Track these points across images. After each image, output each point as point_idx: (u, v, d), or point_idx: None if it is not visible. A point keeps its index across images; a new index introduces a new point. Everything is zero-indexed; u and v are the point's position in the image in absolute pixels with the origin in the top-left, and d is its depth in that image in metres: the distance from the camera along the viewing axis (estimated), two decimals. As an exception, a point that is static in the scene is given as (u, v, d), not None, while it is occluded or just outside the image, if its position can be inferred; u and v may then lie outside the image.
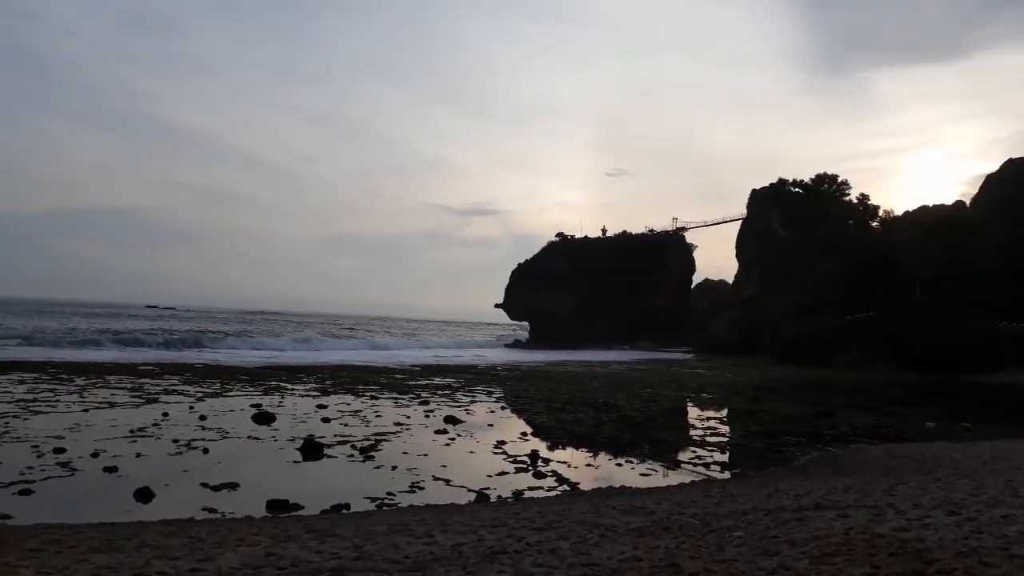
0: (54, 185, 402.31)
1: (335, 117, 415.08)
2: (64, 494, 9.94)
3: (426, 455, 13.57)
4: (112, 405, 18.59)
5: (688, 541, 6.30)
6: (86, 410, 17.48)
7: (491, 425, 17.79)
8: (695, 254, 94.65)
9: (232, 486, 10.57)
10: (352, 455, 13.37)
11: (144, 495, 9.80)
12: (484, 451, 14.38)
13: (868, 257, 60.60)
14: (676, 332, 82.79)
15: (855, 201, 74.06)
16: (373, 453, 13.54)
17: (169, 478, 10.93)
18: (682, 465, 13.77)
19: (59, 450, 12.52)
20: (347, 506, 9.61)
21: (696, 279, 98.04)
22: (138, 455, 12.54)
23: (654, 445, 15.75)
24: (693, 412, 23.24)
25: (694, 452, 15.14)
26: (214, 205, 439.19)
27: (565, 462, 13.52)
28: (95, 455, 12.31)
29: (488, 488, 11.04)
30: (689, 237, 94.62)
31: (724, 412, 23.23)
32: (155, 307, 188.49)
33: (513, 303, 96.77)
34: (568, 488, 11.37)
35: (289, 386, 25.12)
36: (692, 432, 18.24)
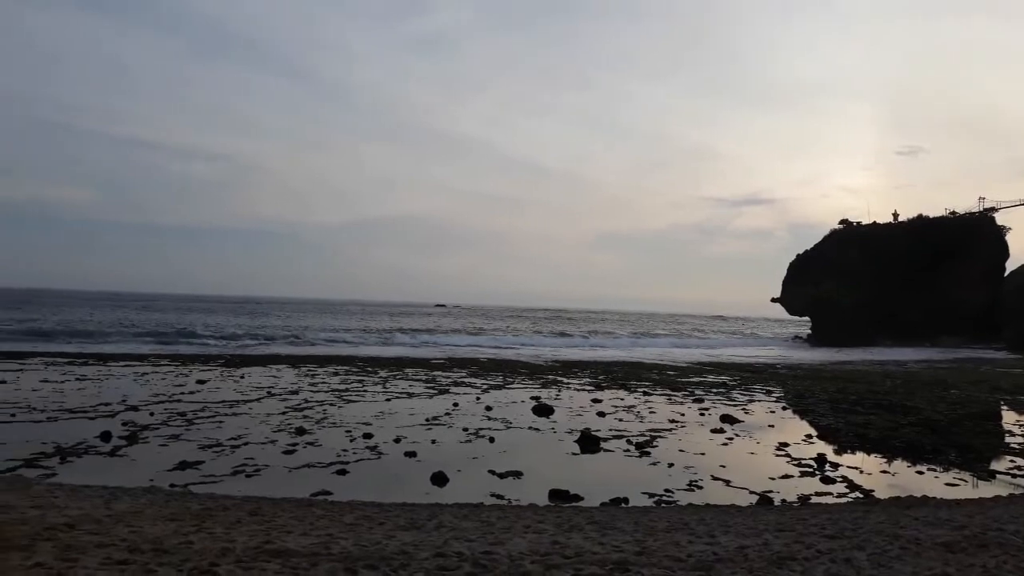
0: (350, 197, 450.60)
1: (603, 117, 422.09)
2: (372, 475, 11.05)
3: (703, 454, 13.30)
4: (410, 395, 20.38)
5: (1011, 561, 5.59)
6: (388, 399, 19.34)
7: (771, 426, 17.01)
8: (1008, 238, 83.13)
9: (516, 474, 11.11)
10: (628, 450, 13.46)
11: (439, 479, 10.62)
12: (765, 452, 13.79)
13: None
14: (986, 327, 73.47)
15: None
16: (649, 449, 13.54)
17: (460, 464, 11.74)
18: (997, 476, 12.20)
19: (368, 435, 13.97)
20: (625, 500, 9.69)
21: (1010, 266, 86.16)
22: (433, 442, 13.62)
23: (961, 452, 14.12)
24: (1009, 416, 20.48)
25: (1012, 461, 13.34)
26: (493, 209, 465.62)
27: (856, 467, 12.56)
28: (397, 440, 13.57)
29: (771, 491, 10.57)
30: (1000, 218, 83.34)
31: (1050, 418, 20.21)
32: (443, 306, 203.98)
33: (792, 297, 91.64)
34: (861, 495, 10.54)
35: (565, 380, 25.91)
36: (1009, 439, 16.09)
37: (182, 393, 19.05)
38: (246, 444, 12.82)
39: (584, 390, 23.06)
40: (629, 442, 14.13)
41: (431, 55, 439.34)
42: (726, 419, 17.36)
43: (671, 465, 12.21)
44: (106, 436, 12.88)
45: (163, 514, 7.28)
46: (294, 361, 30.33)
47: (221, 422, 14.94)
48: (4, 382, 19.93)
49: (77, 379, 21.36)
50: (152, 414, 15.48)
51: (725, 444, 14.48)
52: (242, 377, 23.58)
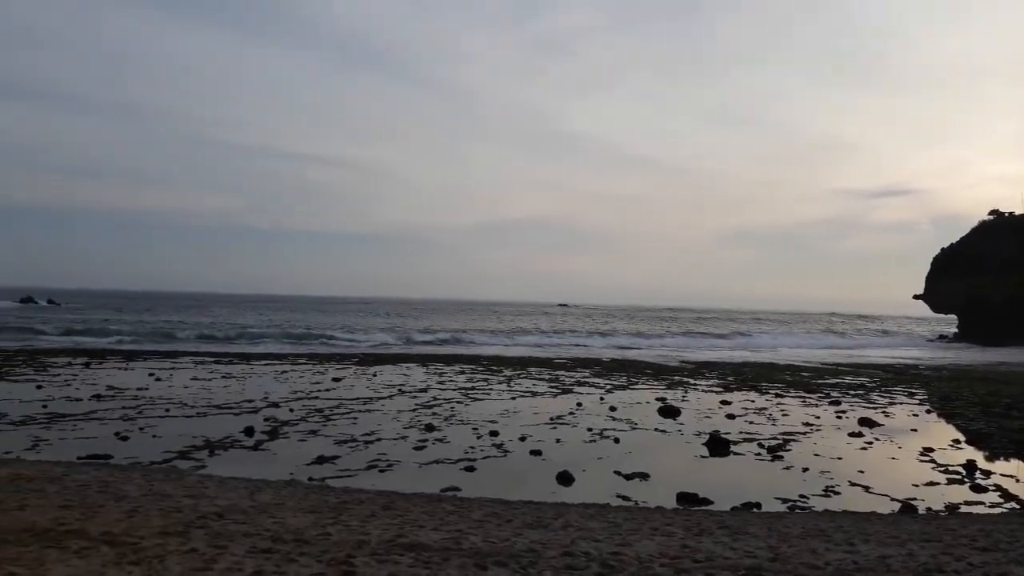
0: (475, 200, 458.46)
1: (726, 110, 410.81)
2: (499, 472, 11.20)
3: (840, 458, 12.74)
4: (534, 394, 20.54)
5: None
6: (513, 398, 19.55)
7: (914, 430, 16.09)
8: None
9: (643, 476, 10.99)
10: (759, 454, 13.06)
11: (565, 479, 10.64)
12: (907, 458, 13.06)
13: None
14: None
15: None
16: (781, 453, 13.08)
17: (585, 464, 11.72)
18: None
19: (494, 433, 14.18)
20: (757, 505, 9.41)
21: None
22: (558, 441, 13.66)
23: None
24: None
25: None
26: (615, 207, 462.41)
27: (1011, 475, 11.70)
28: (522, 439, 13.70)
29: (914, 499, 9.99)
30: None
31: None
32: (566, 305, 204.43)
33: (936, 294, 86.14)
34: (1017, 506, 9.82)
35: (692, 381, 25.40)
36: None
37: (319, 390, 19.93)
38: (379, 440, 13.28)
39: (712, 392, 22.54)
40: (760, 445, 13.71)
41: (552, 56, 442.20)
42: (865, 422, 16.55)
43: (805, 470, 11.76)
44: (250, 431, 13.64)
45: (303, 506, 7.65)
46: (422, 360, 31.17)
47: (355, 418, 15.54)
48: (159, 380, 21.46)
49: (223, 377, 22.73)
50: (292, 410, 16.27)
51: (863, 448, 13.82)
52: (374, 375, 24.42)
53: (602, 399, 19.84)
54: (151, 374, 22.73)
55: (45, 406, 15.86)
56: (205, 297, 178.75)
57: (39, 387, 18.96)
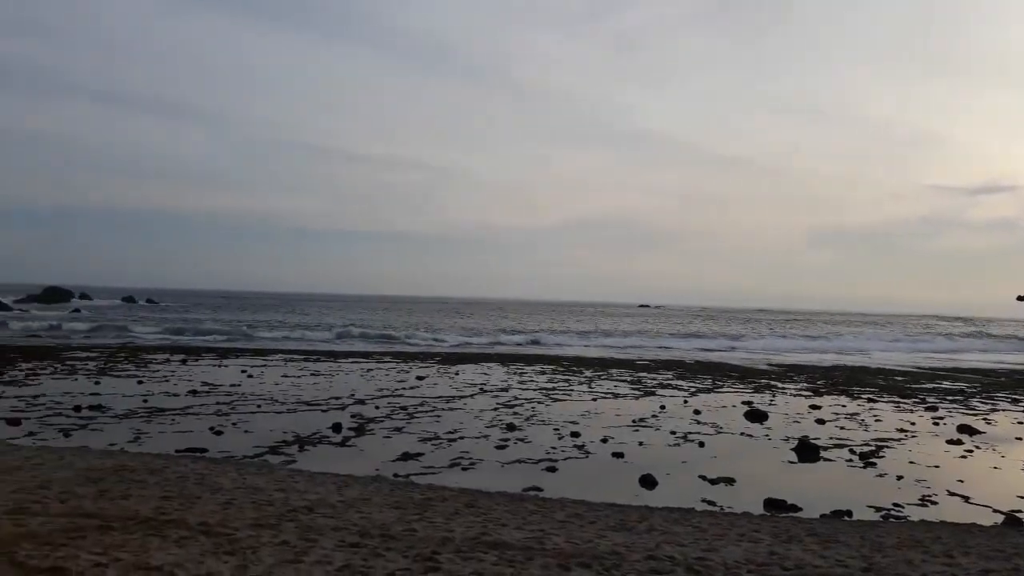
0: (558, 200, 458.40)
1: (814, 106, 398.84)
2: (581, 474, 11.16)
3: (937, 467, 12.22)
4: (615, 396, 20.39)
5: None
6: (594, 399, 19.46)
7: (1019, 438, 15.28)
8: None
9: (728, 481, 10.78)
10: (851, 460, 12.64)
11: (648, 482, 10.53)
12: (1012, 468, 12.42)
13: None
14: None
15: None
16: (874, 460, 12.63)
17: (669, 467, 11.57)
18: None
19: (575, 434, 14.15)
20: (848, 513, 9.11)
21: None
22: (640, 443, 13.53)
23: None
24: None
25: None
26: (696, 206, 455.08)
27: None
28: (604, 440, 13.62)
29: (1019, 511, 9.49)
30: None
31: None
32: (647, 306, 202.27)
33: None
34: None
35: (779, 384, 24.78)
36: None
37: (403, 388, 20.29)
38: (461, 438, 13.42)
39: (801, 395, 21.94)
40: (852, 452, 13.27)
41: (629, 53, 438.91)
42: (964, 429, 15.82)
43: (900, 478, 11.33)
44: (337, 427, 13.98)
45: (389, 502, 7.80)
46: (503, 360, 31.34)
47: (439, 416, 15.75)
48: (251, 377, 22.20)
49: (311, 375, 23.36)
50: (377, 408, 16.61)
51: (963, 457, 13.22)
52: (456, 374, 24.70)
53: (686, 402, 19.55)
54: (243, 371, 23.54)
55: (146, 400, 16.63)
56: (291, 297, 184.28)
57: (140, 382, 19.90)
